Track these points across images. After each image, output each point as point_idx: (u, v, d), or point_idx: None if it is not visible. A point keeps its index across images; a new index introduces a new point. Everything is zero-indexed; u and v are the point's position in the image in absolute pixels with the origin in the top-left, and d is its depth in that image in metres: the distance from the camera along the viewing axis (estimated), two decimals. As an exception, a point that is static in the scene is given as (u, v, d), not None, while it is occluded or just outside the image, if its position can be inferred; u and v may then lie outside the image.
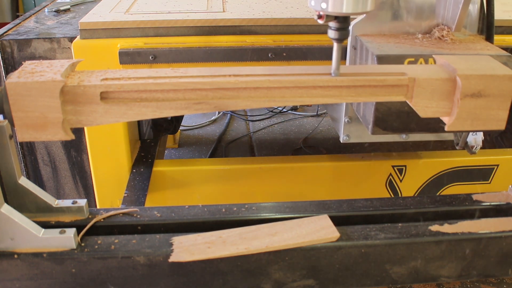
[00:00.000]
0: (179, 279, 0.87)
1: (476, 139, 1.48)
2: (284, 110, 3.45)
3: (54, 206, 0.94)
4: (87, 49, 1.49)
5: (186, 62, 1.48)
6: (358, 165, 1.79)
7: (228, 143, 3.06)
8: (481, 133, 1.49)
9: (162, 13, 1.57)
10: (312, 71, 0.85)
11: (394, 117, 1.19)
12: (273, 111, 3.44)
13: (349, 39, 1.32)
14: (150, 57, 1.46)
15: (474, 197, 1.06)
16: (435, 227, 0.93)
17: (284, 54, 1.48)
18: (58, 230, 0.85)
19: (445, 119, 0.86)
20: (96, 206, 1.73)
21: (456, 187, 1.83)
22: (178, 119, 2.19)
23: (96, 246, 0.87)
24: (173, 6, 1.68)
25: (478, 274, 0.95)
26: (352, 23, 1.29)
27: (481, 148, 2.37)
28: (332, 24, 0.83)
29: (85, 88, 0.77)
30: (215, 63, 1.48)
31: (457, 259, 0.92)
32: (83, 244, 0.87)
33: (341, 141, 1.51)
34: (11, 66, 1.67)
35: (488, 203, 1.05)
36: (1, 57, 1.65)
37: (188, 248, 0.86)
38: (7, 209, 0.82)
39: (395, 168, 1.79)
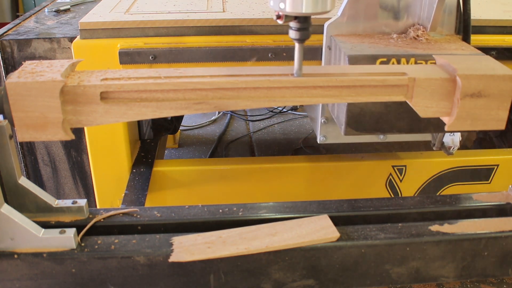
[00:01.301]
0: (179, 279, 0.87)
1: (453, 139, 1.48)
2: (284, 110, 3.45)
3: (54, 206, 0.94)
4: (87, 49, 1.49)
5: (186, 62, 1.48)
6: (358, 165, 1.79)
7: (228, 143, 3.06)
8: (459, 133, 1.48)
9: (162, 13, 1.57)
10: (311, 70, 0.85)
11: (367, 117, 1.19)
12: (273, 111, 3.44)
13: (324, 39, 1.32)
14: (150, 57, 1.46)
15: (474, 197, 1.06)
16: (435, 227, 0.93)
17: (284, 54, 1.48)
18: (58, 230, 0.85)
19: (445, 119, 0.86)
20: (96, 206, 1.73)
21: (456, 187, 1.83)
22: (178, 119, 2.19)
23: (96, 246, 0.87)
24: (173, 6, 1.68)
25: (478, 274, 0.95)
26: (327, 23, 1.29)
27: (481, 148, 2.37)
28: (292, 24, 0.82)
29: (85, 88, 0.77)
30: (215, 63, 1.48)
31: (457, 259, 0.92)
32: (83, 244, 0.87)
33: (318, 142, 1.50)
34: (11, 66, 1.67)
35: (488, 203, 1.05)
36: (1, 57, 1.65)
37: (188, 248, 0.86)
38: (7, 209, 0.82)
39: (395, 168, 1.79)
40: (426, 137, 1.52)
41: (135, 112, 0.80)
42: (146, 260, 0.85)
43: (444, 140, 1.49)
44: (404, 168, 1.79)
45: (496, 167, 1.81)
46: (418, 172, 1.81)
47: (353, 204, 1.03)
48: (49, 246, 0.84)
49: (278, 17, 0.81)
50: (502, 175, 1.83)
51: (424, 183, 1.82)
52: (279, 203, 1.03)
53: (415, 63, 1.14)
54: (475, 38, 1.54)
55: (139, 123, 1.93)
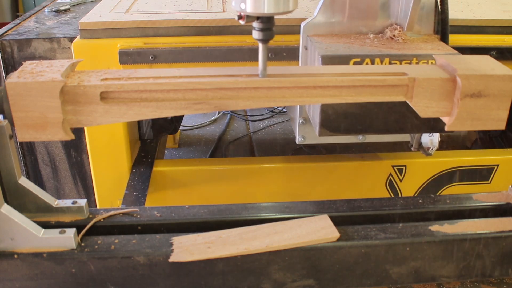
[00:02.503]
0: (179, 279, 0.87)
1: (432, 140, 1.47)
2: (284, 110, 3.45)
3: (54, 206, 0.94)
4: (87, 49, 1.49)
5: (186, 62, 1.48)
6: (358, 165, 1.79)
7: (228, 143, 3.05)
8: (438, 134, 1.47)
9: (162, 13, 1.57)
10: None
11: (341, 118, 1.17)
12: (273, 111, 3.43)
13: (301, 39, 1.31)
14: (150, 57, 1.46)
15: (474, 197, 1.06)
16: (435, 227, 0.93)
17: (284, 54, 1.48)
18: (58, 230, 0.85)
19: (445, 119, 0.86)
20: (96, 206, 1.73)
21: (456, 187, 1.83)
22: (178, 119, 2.19)
23: (96, 246, 0.87)
24: (173, 6, 1.68)
25: (478, 274, 0.95)
26: (303, 23, 1.28)
27: (481, 148, 2.37)
28: (255, 24, 0.82)
29: (85, 88, 0.77)
30: (215, 63, 1.48)
31: (457, 259, 0.92)
32: (83, 244, 0.87)
33: (297, 142, 1.49)
34: (11, 66, 1.67)
35: (488, 203, 1.05)
36: (1, 57, 1.65)
37: (188, 248, 0.86)
38: (7, 209, 0.82)
39: (395, 168, 1.79)
40: (405, 137, 1.52)
41: (135, 112, 0.80)
42: (146, 260, 0.85)
43: (422, 141, 1.48)
44: (404, 168, 1.79)
45: (496, 167, 1.81)
46: (418, 172, 1.81)
47: (353, 204, 1.03)
48: (49, 246, 0.84)
49: (240, 17, 0.81)
50: (502, 175, 1.83)
51: (424, 183, 1.82)
52: (279, 203, 1.03)
53: (389, 63, 1.14)
54: (475, 38, 1.54)
55: (139, 123, 1.93)
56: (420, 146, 1.49)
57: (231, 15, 1.56)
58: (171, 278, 0.87)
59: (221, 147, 3.02)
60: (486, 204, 1.05)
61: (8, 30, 1.75)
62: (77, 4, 2.17)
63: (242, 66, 0.87)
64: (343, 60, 1.13)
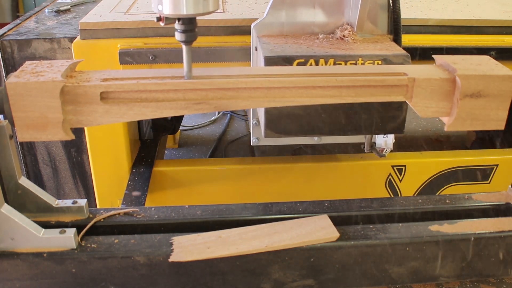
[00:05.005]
0: (179, 279, 0.87)
1: (386, 141, 1.45)
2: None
3: (54, 206, 0.94)
4: (87, 49, 1.49)
5: (186, 62, 1.47)
6: (358, 165, 1.79)
7: (228, 143, 3.05)
8: (392, 135, 1.46)
9: (162, 13, 1.57)
10: (311, 71, 0.85)
11: (286, 120, 1.15)
12: (273, 111, 3.43)
13: (252, 40, 1.29)
14: (150, 57, 1.46)
15: (474, 197, 1.07)
16: (435, 227, 0.93)
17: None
18: (58, 230, 0.85)
19: (444, 119, 0.86)
20: (96, 206, 1.73)
21: (456, 187, 1.84)
22: (178, 119, 2.19)
23: (96, 246, 0.87)
24: (173, 6, 1.68)
25: (478, 274, 0.95)
26: (253, 24, 1.26)
27: (481, 148, 2.37)
28: (176, 26, 0.80)
29: (85, 88, 0.77)
30: (216, 63, 1.48)
31: (457, 259, 0.92)
32: (83, 244, 0.87)
33: (251, 144, 1.47)
34: (11, 66, 1.67)
35: (488, 203, 1.05)
36: (2, 57, 1.65)
37: (187, 248, 0.86)
38: (7, 209, 0.82)
39: (395, 168, 1.79)
40: (360, 139, 1.50)
41: (135, 112, 0.80)
42: (146, 260, 0.86)
43: (377, 142, 1.47)
44: (403, 168, 1.79)
45: (495, 167, 1.82)
46: (417, 172, 1.81)
47: (353, 204, 1.03)
48: (49, 246, 0.84)
49: (159, 19, 0.79)
50: (501, 175, 1.83)
51: (424, 183, 1.82)
52: (279, 203, 1.03)
53: (334, 63, 1.12)
54: (474, 38, 1.54)
55: (139, 123, 1.93)
56: (372, 148, 1.48)
57: (231, 15, 1.56)
58: (171, 278, 0.87)
59: (221, 147, 3.02)
60: (485, 204, 1.05)
61: (8, 31, 1.75)
62: (77, 5, 2.17)
63: (242, 67, 0.87)
64: (286, 61, 1.11)
